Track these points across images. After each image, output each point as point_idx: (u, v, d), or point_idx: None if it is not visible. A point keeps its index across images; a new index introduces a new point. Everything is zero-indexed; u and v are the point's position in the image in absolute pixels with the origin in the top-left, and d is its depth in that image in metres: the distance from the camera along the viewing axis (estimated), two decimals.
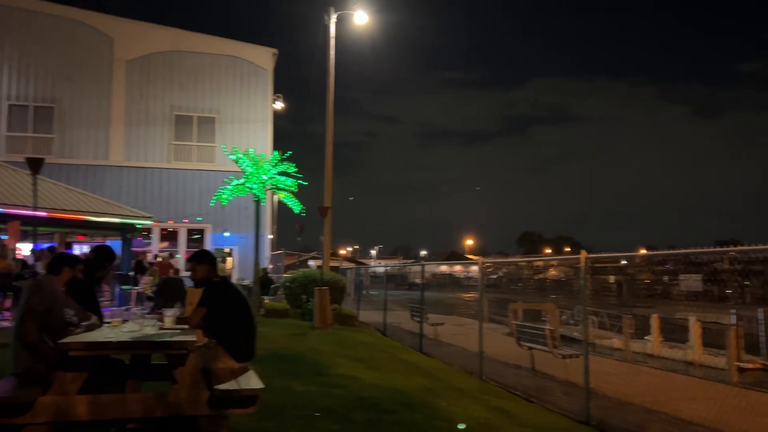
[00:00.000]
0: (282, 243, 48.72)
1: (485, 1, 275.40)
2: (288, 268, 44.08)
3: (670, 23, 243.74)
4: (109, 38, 24.78)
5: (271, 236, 29.79)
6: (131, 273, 17.99)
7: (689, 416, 7.44)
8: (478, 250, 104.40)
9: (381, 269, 26.17)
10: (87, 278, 5.29)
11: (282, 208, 34.05)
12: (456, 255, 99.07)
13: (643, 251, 8.00)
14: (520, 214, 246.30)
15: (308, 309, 16.98)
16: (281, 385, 7.38)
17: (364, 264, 51.78)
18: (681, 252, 6.56)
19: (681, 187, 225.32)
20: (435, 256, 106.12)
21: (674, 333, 28.33)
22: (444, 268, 73.93)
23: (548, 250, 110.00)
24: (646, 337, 28.07)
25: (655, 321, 28.21)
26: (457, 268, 74.25)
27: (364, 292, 26.06)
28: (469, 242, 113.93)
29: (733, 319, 25.16)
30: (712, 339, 24.88)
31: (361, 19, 20.72)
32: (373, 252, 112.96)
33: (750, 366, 24.10)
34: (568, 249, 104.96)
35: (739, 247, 5.76)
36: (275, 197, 25.83)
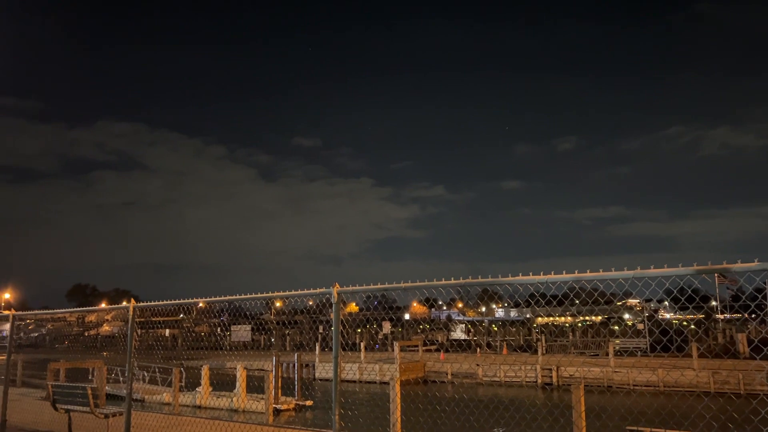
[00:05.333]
0: None
1: (47, 28, 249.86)
2: None
3: (234, 92, 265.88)
4: None
5: None
6: None
7: None
8: (17, 305, 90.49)
9: None
10: None
11: None
12: None
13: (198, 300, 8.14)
14: (73, 265, 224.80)
15: None
16: None
17: None
18: (228, 299, 6.85)
19: (243, 242, 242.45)
20: None
21: (224, 382, 29.72)
22: None
23: (103, 304, 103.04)
24: (197, 389, 28.62)
25: (205, 372, 29.09)
26: None
27: None
28: (7, 296, 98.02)
29: (273, 366, 27.91)
30: (258, 384, 27.00)
31: None
32: None
33: (284, 407, 27.02)
34: (125, 303, 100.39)
35: (285, 292, 6.31)
36: None
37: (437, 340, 64.81)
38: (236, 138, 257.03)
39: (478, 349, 55.21)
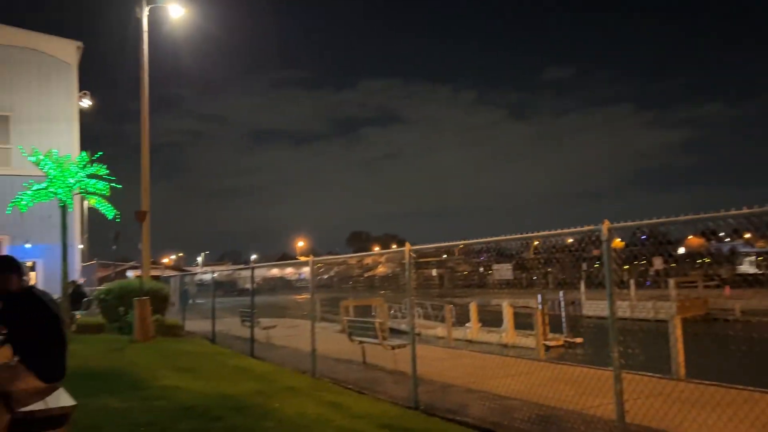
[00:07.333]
0: (95, 253, 44.34)
1: (312, 3, 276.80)
2: (102, 280, 40.54)
3: (484, 33, 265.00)
4: None
5: (81, 246, 27.15)
6: None
7: (505, 392, 8.07)
8: (309, 252, 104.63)
9: (208, 276, 25.12)
10: None
11: (94, 215, 31.15)
12: (287, 257, 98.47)
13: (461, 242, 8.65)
14: (349, 214, 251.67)
15: (127, 322, 15.76)
16: (97, 403, 6.75)
17: (190, 272, 49.42)
18: (494, 239, 7.06)
19: (495, 185, 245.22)
20: (266, 260, 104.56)
21: (490, 319, 30.87)
22: (275, 271, 73.03)
23: (377, 248, 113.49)
24: (466, 324, 30.22)
25: (473, 309, 30.50)
26: (289, 270, 73.80)
27: (190, 301, 24.86)
28: (300, 244, 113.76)
29: (539, 303, 28.06)
30: (523, 321, 27.49)
31: (176, 12, 19.73)
32: (200, 259, 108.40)
33: (553, 343, 27.08)
34: (395, 246, 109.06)
35: (542, 233, 6.31)
36: (85, 203, 23.62)
37: (719, 275, 58.17)
38: (485, 80, 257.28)
39: None
